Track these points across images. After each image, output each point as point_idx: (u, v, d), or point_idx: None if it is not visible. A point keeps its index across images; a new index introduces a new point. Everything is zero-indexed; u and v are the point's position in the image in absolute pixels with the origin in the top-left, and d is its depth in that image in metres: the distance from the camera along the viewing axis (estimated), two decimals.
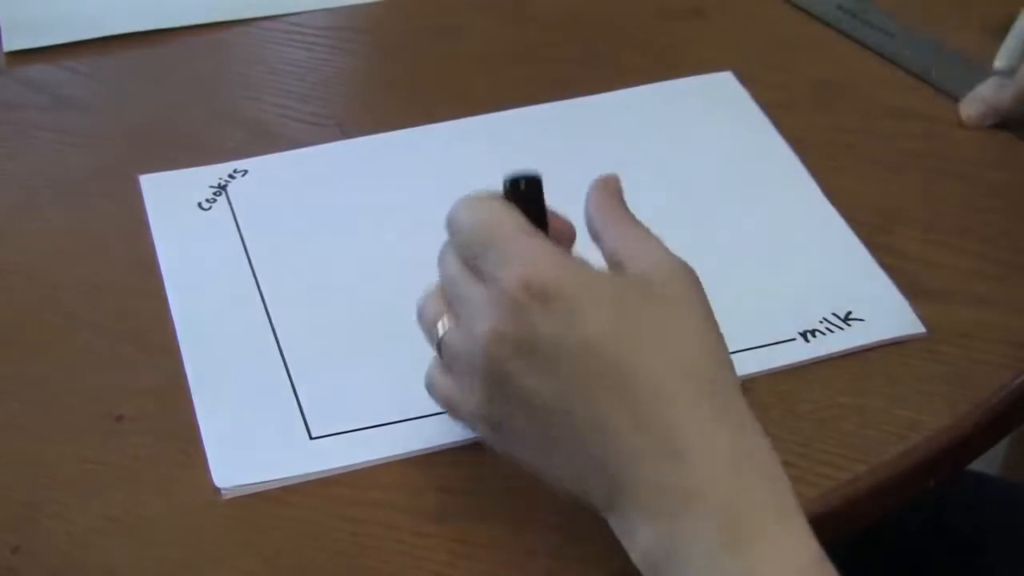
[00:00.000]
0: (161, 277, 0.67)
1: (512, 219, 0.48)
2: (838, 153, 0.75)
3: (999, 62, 0.76)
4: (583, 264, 0.47)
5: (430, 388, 0.53)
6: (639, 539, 0.45)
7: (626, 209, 0.52)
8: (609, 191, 0.53)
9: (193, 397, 0.60)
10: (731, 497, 0.43)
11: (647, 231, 0.51)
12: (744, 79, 0.80)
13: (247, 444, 0.59)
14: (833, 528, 0.57)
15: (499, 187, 0.52)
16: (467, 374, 0.48)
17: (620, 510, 0.46)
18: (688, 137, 0.77)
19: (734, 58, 0.82)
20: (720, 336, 0.48)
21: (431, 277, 0.67)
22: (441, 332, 0.50)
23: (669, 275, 0.49)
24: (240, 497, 0.56)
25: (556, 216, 0.52)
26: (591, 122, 0.78)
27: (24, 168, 0.75)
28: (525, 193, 0.50)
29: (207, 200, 0.72)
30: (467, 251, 0.49)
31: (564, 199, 0.72)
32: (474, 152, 0.76)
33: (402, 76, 0.83)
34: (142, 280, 0.66)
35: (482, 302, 0.47)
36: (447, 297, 0.50)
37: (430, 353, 0.62)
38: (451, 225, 0.50)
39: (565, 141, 0.76)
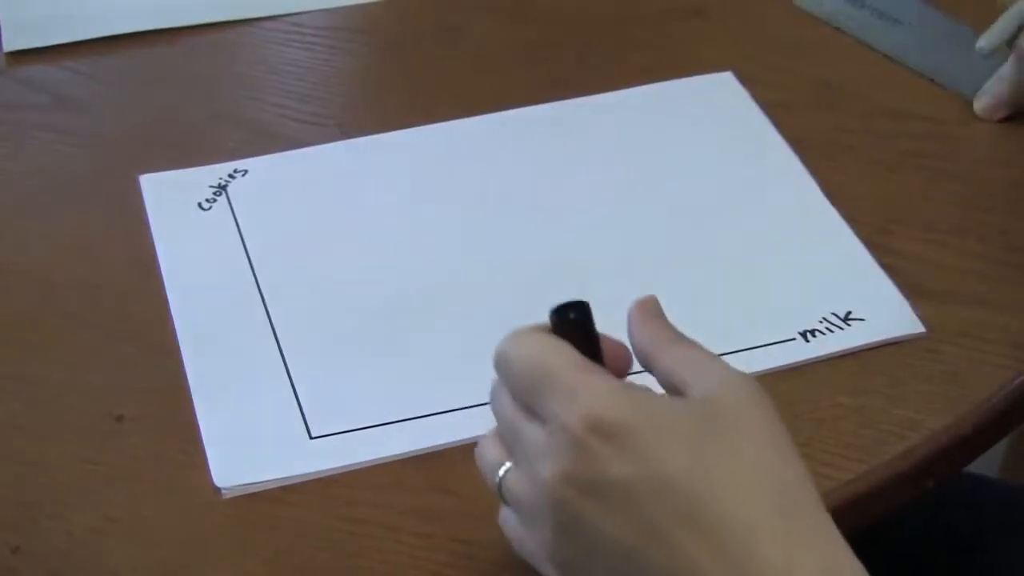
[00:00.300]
0: (161, 277, 0.67)
1: (565, 354, 0.46)
2: (838, 153, 0.75)
3: (982, 41, 0.75)
4: (647, 394, 0.45)
5: (503, 526, 0.49)
6: None
7: (673, 329, 0.49)
8: (651, 313, 0.49)
9: (193, 397, 0.60)
10: None
11: (701, 348, 0.48)
12: (744, 79, 0.80)
13: (247, 444, 0.59)
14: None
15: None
16: (535, 518, 0.45)
17: None
18: (688, 137, 0.77)
19: (734, 58, 0.82)
20: (794, 449, 0.45)
21: (431, 276, 0.67)
22: (502, 473, 0.47)
23: (736, 394, 0.45)
24: (240, 497, 0.56)
25: (608, 339, 0.49)
26: (591, 122, 0.78)
27: (24, 168, 0.75)
28: (575, 323, 0.47)
29: (207, 200, 0.72)
30: (521, 392, 0.46)
31: (564, 199, 0.72)
32: (474, 152, 0.76)
33: (402, 76, 0.83)
34: (142, 280, 0.66)
35: (544, 443, 0.44)
36: (505, 441, 0.48)
37: (430, 353, 0.62)
38: (500, 365, 0.47)
39: (565, 141, 0.76)
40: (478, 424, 0.59)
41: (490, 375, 0.60)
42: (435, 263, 0.68)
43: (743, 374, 0.46)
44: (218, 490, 0.56)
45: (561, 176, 0.74)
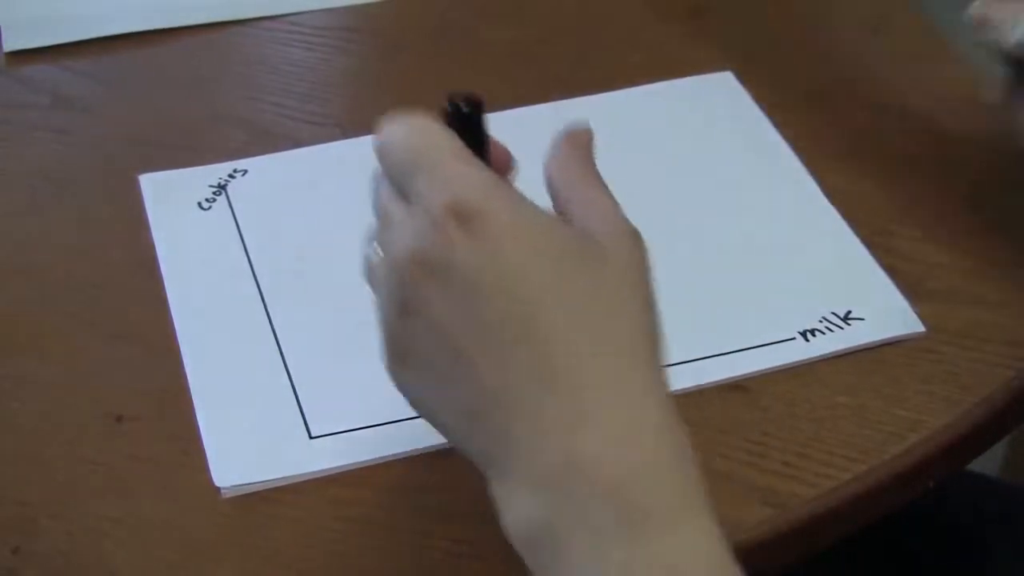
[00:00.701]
0: (161, 277, 0.67)
1: (448, 142, 0.44)
2: (838, 153, 0.75)
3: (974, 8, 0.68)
4: (525, 201, 0.43)
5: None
6: (518, 506, 0.40)
7: (594, 169, 0.47)
8: (578, 146, 0.48)
9: (193, 397, 0.60)
10: (631, 478, 0.39)
11: (611, 198, 0.46)
12: (744, 79, 0.80)
13: (247, 444, 0.59)
14: (833, 528, 0.57)
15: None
16: (384, 299, 0.44)
17: (504, 469, 0.41)
18: (688, 137, 0.77)
19: (734, 58, 0.82)
20: (655, 315, 0.43)
21: None
22: (372, 259, 0.46)
23: (616, 239, 0.44)
24: (240, 497, 0.56)
25: (498, 145, 0.47)
26: (591, 122, 0.78)
27: (24, 168, 0.75)
28: (466, 117, 0.45)
29: (207, 200, 0.72)
30: (397, 175, 0.45)
31: None
32: None
33: (402, 76, 0.83)
34: (142, 280, 0.66)
35: (404, 222, 0.43)
36: (379, 226, 0.47)
37: None
38: (382, 147, 0.46)
39: None
40: None
41: None
42: None
43: (635, 232, 0.45)
44: (218, 490, 0.56)
45: None
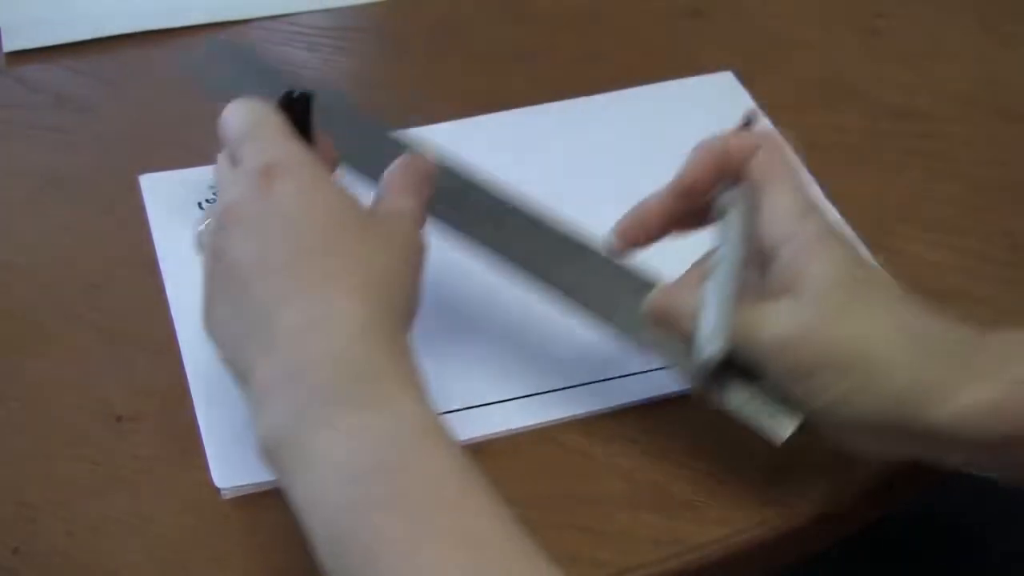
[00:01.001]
0: (161, 277, 0.67)
1: (277, 121, 0.53)
2: (838, 153, 0.75)
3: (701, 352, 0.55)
4: (322, 170, 0.52)
5: None
6: (270, 411, 0.47)
7: (410, 180, 0.56)
8: (408, 166, 0.57)
9: (193, 397, 0.60)
10: (357, 365, 0.47)
11: (413, 199, 0.56)
12: (744, 79, 0.80)
13: (247, 444, 0.58)
14: (833, 529, 0.57)
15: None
16: (207, 252, 0.52)
17: (260, 374, 0.48)
18: (688, 137, 0.76)
19: (734, 58, 0.82)
20: (407, 277, 0.52)
21: (430, 276, 0.67)
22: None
23: (394, 217, 0.54)
24: (240, 497, 0.56)
25: (326, 141, 0.56)
26: (591, 122, 0.78)
27: (24, 168, 0.75)
28: (295, 105, 0.54)
29: (207, 200, 0.72)
30: (232, 145, 0.53)
31: (564, 199, 0.72)
32: (474, 152, 0.76)
33: (402, 76, 0.83)
34: (142, 280, 0.66)
35: (229, 180, 0.52)
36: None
37: (428, 354, 0.62)
38: (222, 122, 0.54)
39: (565, 141, 0.76)
40: (478, 424, 0.59)
41: (488, 376, 0.60)
42: (435, 263, 0.68)
43: (414, 216, 0.54)
44: (218, 490, 0.56)
45: (560, 176, 0.74)
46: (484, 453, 0.58)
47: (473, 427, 0.59)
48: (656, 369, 0.61)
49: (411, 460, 0.46)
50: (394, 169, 0.56)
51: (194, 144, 0.76)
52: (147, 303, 0.65)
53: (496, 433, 0.59)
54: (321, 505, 0.45)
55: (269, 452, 0.48)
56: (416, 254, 0.54)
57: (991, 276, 0.67)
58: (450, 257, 0.68)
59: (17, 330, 0.65)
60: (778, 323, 0.52)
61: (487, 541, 0.44)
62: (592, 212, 0.71)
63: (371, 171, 0.58)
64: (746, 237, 0.56)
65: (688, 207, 0.59)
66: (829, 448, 0.58)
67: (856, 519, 0.58)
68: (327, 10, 0.88)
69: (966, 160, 0.74)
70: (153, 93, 0.81)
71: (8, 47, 0.84)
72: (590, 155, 0.75)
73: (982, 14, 0.86)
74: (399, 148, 0.59)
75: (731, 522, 0.55)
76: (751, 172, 0.57)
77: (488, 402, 0.61)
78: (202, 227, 0.55)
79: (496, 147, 0.76)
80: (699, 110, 0.79)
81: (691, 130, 0.77)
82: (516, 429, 0.59)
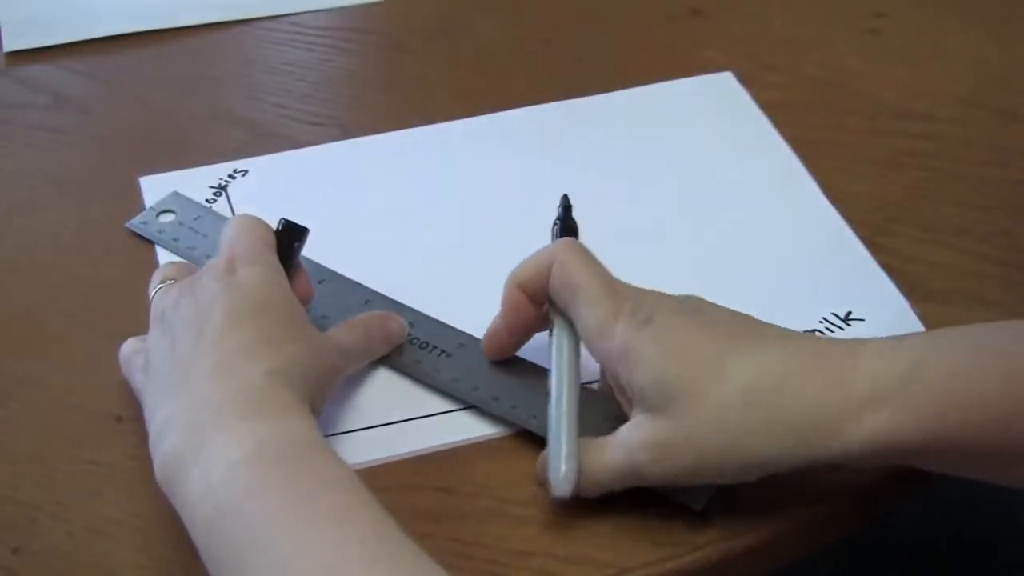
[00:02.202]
0: None
1: (263, 233, 0.59)
2: (838, 153, 0.75)
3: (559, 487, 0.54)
4: (276, 277, 0.57)
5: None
6: (169, 437, 0.51)
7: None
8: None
9: None
10: (250, 393, 0.52)
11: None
12: (744, 79, 0.80)
13: None
14: (835, 529, 0.57)
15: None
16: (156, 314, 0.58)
17: (165, 410, 0.53)
18: (688, 137, 0.77)
19: (734, 58, 0.82)
20: (324, 389, 0.56)
21: (432, 275, 0.67)
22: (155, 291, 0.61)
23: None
24: None
25: (304, 278, 0.61)
26: (591, 122, 0.78)
27: (24, 168, 0.75)
28: (283, 234, 0.60)
29: (207, 200, 0.72)
30: (224, 244, 0.59)
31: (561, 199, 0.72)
32: (474, 152, 0.76)
33: (402, 76, 0.83)
34: (142, 280, 0.66)
35: (200, 271, 0.58)
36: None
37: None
38: (225, 230, 0.60)
39: (565, 141, 0.76)
40: (479, 425, 0.59)
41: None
42: (435, 263, 0.68)
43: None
44: None
45: (561, 176, 0.73)
46: (485, 452, 0.58)
47: (469, 428, 0.59)
48: None
49: (300, 459, 0.50)
50: (368, 316, 0.61)
51: (194, 144, 0.76)
52: (147, 303, 0.65)
53: (496, 433, 0.59)
54: (209, 494, 0.48)
55: (167, 469, 0.51)
56: (333, 374, 0.57)
57: (991, 276, 0.67)
58: None
59: (17, 330, 0.65)
60: (617, 455, 0.52)
61: (369, 525, 0.47)
62: (593, 212, 0.71)
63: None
64: (573, 358, 0.56)
65: (531, 325, 0.58)
66: None
67: (856, 519, 0.58)
68: (327, 10, 0.88)
69: (966, 160, 0.74)
70: (153, 93, 0.81)
71: (8, 47, 0.84)
72: (590, 155, 0.75)
73: (982, 14, 0.86)
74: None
75: (731, 522, 0.55)
76: (552, 295, 0.56)
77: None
78: (156, 289, 0.59)
79: (496, 147, 0.76)
80: (699, 110, 0.79)
81: (691, 130, 0.77)
82: (518, 429, 0.59)
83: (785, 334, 0.53)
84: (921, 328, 0.63)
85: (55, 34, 0.85)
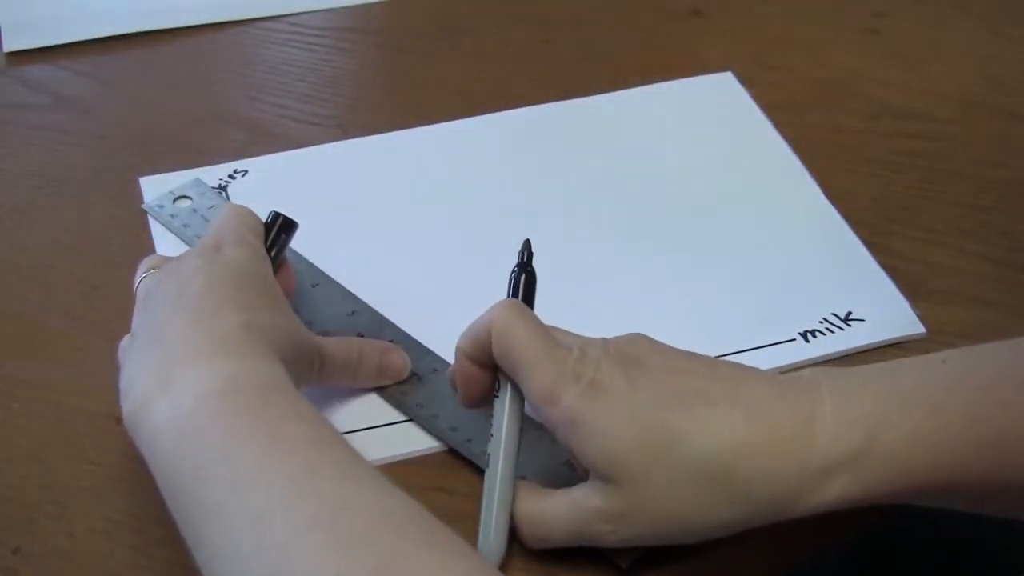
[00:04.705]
0: None
1: (251, 219, 0.59)
2: (838, 153, 0.75)
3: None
4: (256, 256, 0.57)
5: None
6: (140, 380, 0.51)
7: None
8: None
9: None
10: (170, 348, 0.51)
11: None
12: (744, 79, 0.80)
13: None
14: (833, 530, 0.57)
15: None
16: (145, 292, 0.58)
17: (136, 357, 0.53)
18: (688, 137, 0.77)
19: (734, 58, 0.82)
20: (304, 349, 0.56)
21: (430, 277, 0.67)
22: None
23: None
24: None
25: (288, 270, 0.61)
26: (591, 122, 0.78)
27: (24, 168, 0.75)
28: (271, 225, 0.60)
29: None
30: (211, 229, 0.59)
31: (564, 199, 0.72)
32: (474, 152, 0.76)
33: (402, 76, 0.83)
34: None
35: (184, 254, 0.58)
36: None
37: (429, 355, 0.62)
38: (219, 210, 0.61)
39: (565, 141, 0.76)
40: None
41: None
42: (435, 263, 0.68)
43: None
44: None
45: (561, 176, 0.74)
46: None
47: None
48: None
49: (272, 395, 0.49)
50: (368, 341, 0.61)
51: (194, 144, 0.76)
52: None
53: None
54: (174, 421, 0.48)
55: (135, 414, 0.50)
56: (306, 363, 0.56)
57: (991, 276, 0.67)
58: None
59: (17, 330, 0.65)
60: (574, 518, 0.51)
61: (340, 451, 0.47)
62: (593, 212, 0.71)
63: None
64: (514, 427, 0.53)
65: (487, 390, 0.55)
66: None
67: (856, 520, 0.58)
68: (327, 10, 0.88)
69: (966, 160, 0.74)
70: (153, 93, 0.81)
71: (8, 47, 0.84)
72: (590, 155, 0.75)
73: (982, 14, 0.86)
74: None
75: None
76: (497, 360, 0.53)
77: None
78: (141, 278, 0.59)
79: (496, 147, 0.76)
80: (699, 110, 0.79)
81: (691, 130, 0.77)
82: None
83: (733, 391, 0.50)
84: (921, 330, 0.63)
85: (55, 34, 0.85)
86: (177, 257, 0.58)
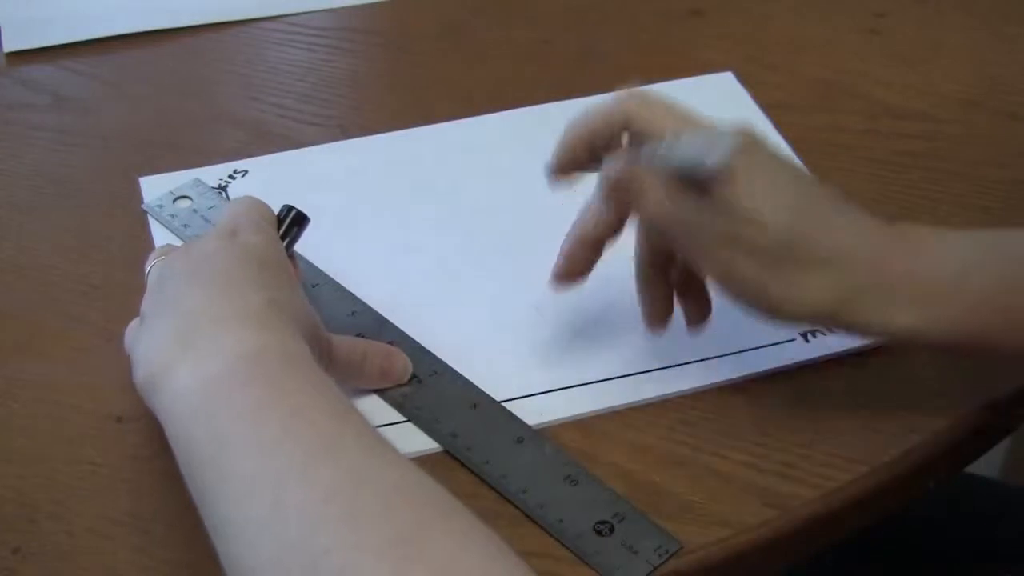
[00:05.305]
0: None
1: (265, 211, 0.60)
2: (838, 153, 0.75)
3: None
4: (283, 251, 0.58)
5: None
6: (156, 341, 0.52)
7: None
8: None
9: None
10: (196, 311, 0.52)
11: None
12: (744, 79, 0.80)
13: None
14: (833, 529, 0.57)
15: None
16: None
17: (177, 355, 0.52)
18: None
19: (734, 58, 0.82)
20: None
21: (429, 277, 0.67)
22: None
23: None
24: None
25: (297, 269, 0.61)
26: None
27: (24, 168, 0.75)
28: (283, 218, 0.61)
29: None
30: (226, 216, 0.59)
31: (564, 199, 0.72)
32: (474, 152, 0.76)
33: (402, 76, 0.83)
34: (142, 280, 0.66)
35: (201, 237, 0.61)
36: None
37: (429, 357, 0.62)
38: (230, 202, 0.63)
39: None
40: None
41: (488, 377, 0.60)
42: (434, 263, 0.68)
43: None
44: None
45: None
46: None
47: None
48: (656, 369, 0.61)
49: (301, 367, 0.50)
50: (374, 343, 0.61)
51: (194, 144, 0.76)
52: None
53: None
54: (201, 386, 0.49)
55: (152, 376, 0.51)
56: (319, 351, 0.55)
57: None
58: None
59: (17, 330, 0.65)
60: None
61: (368, 427, 0.48)
62: None
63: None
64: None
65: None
66: (829, 449, 0.58)
67: (857, 520, 0.58)
68: (327, 10, 0.88)
69: (966, 160, 0.74)
70: (153, 93, 0.81)
71: (8, 47, 0.84)
72: None
73: (982, 14, 0.86)
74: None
75: (731, 522, 0.55)
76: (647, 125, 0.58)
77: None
78: (152, 264, 0.60)
79: (497, 147, 0.76)
80: (699, 110, 0.78)
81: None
82: None
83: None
84: None
85: (55, 34, 0.85)
86: (189, 241, 0.58)
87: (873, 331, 0.55)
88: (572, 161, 0.61)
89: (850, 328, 0.55)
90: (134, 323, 0.58)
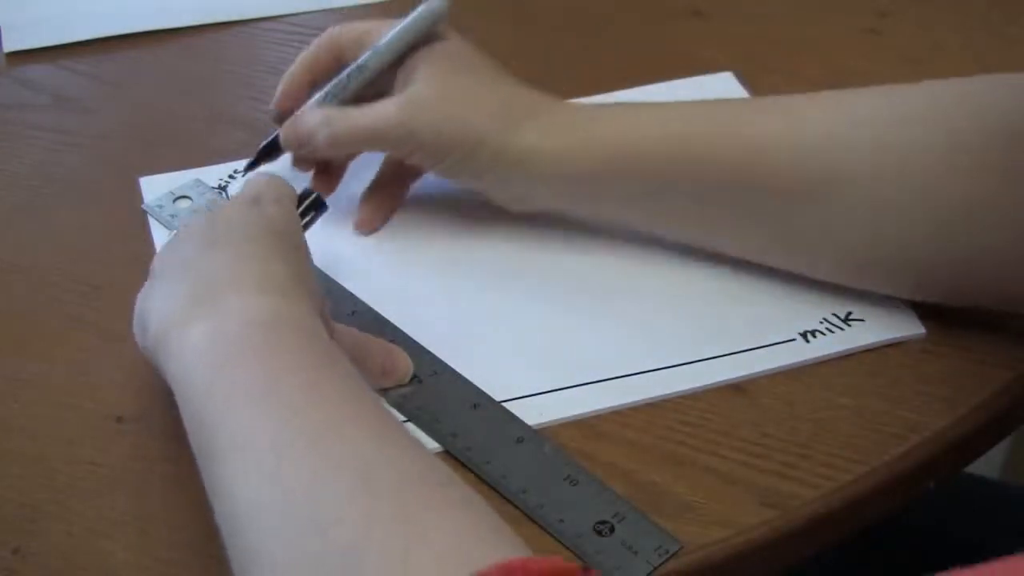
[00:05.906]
0: None
1: (285, 188, 0.61)
2: None
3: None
4: (300, 228, 0.60)
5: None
6: (168, 306, 0.53)
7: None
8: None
9: None
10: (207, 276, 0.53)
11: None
12: (744, 79, 0.80)
13: None
14: (833, 529, 0.57)
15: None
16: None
17: (187, 315, 0.53)
18: None
19: (734, 58, 0.82)
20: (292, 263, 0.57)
21: (433, 275, 0.67)
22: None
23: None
24: None
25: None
26: None
27: (24, 168, 0.75)
28: (305, 198, 0.63)
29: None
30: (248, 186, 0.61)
31: None
32: None
33: None
34: (142, 280, 0.66)
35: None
36: None
37: (429, 356, 0.62)
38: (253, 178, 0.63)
39: None
40: None
41: (488, 377, 0.60)
42: (434, 263, 0.68)
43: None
44: None
45: None
46: None
47: None
48: (656, 369, 0.61)
49: (317, 337, 0.51)
50: (378, 340, 0.61)
51: (194, 144, 0.76)
52: None
53: None
54: (213, 346, 0.49)
55: (162, 335, 0.52)
56: (327, 325, 0.56)
57: None
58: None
59: (17, 330, 0.65)
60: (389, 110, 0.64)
61: (343, 397, 0.48)
62: None
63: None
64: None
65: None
66: (829, 449, 0.58)
67: (856, 520, 0.58)
68: (327, 10, 0.88)
69: None
70: (153, 93, 0.81)
71: (8, 47, 0.84)
72: None
73: (982, 14, 0.86)
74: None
75: (731, 522, 0.55)
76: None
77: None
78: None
79: None
80: None
81: None
82: None
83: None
84: (921, 330, 0.63)
85: (55, 34, 0.85)
86: (208, 210, 0.59)
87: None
88: (294, 95, 0.69)
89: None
90: (147, 285, 0.58)
